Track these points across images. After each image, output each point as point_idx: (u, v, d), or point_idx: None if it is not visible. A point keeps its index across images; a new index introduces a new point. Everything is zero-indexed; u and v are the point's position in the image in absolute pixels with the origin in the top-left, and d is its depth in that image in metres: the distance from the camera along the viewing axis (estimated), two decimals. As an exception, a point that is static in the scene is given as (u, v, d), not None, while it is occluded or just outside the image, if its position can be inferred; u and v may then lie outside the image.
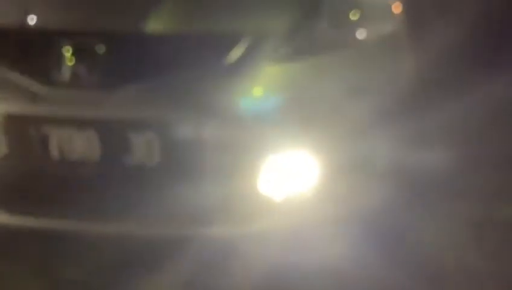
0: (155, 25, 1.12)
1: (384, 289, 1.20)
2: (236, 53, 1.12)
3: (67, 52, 1.10)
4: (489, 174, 1.52)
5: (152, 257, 1.18)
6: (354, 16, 1.24)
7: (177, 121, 1.08)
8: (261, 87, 1.15)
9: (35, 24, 1.14)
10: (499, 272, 1.21)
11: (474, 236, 1.32)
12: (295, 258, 1.22)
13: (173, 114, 1.08)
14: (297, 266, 1.21)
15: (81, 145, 1.08)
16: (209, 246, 1.15)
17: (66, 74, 1.09)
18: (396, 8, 1.31)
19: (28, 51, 1.12)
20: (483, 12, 1.52)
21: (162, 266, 1.16)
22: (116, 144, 1.07)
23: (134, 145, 1.06)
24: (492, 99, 1.47)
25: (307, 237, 1.20)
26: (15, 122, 1.10)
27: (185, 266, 1.16)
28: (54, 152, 1.09)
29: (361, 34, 1.24)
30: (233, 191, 1.13)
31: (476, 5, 1.51)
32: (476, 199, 1.46)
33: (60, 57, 1.10)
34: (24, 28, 1.14)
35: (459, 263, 1.25)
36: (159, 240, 1.18)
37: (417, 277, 1.19)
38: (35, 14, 1.14)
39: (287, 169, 1.16)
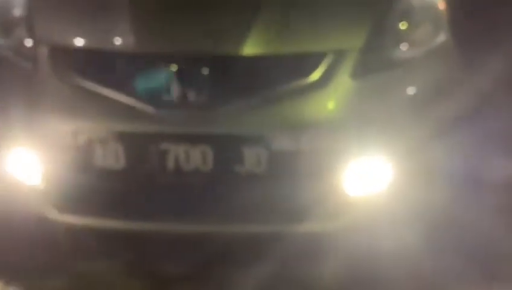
0: (251, 47, 1.27)
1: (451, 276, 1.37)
2: (320, 71, 1.28)
3: (178, 75, 1.25)
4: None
5: (256, 252, 1.34)
6: (413, 37, 1.43)
7: (279, 135, 1.25)
8: (343, 100, 1.32)
9: (148, 49, 1.29)
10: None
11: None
12: (373, 250, 1.40)
13: (275, 130, 1.25)
14: (376, 257, 1.39)
15: (196, 158, 1.24)
16: (303, 240, 1.33)
17: (178, 96, 1.24)
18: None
19: (143, 74, 1.27)
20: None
21: (264, 260, 1.32)
22: (229, 156, 1.23)
23: (245, 156, 1.23)
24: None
25: (384, 232, 1.38)
26: (135, 139, 1.25)
27: (283, 258, 1.33)
28: (171, 165, 1.24)
29: (419, 50, 1.43)
30: (323, 192, 1.31)
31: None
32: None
33: (171, 79, 1.25)
34: (139, 53, 1.29)
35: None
36: (262, 236, 1.35)
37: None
38: (147, 40, 1.29)
39: (367, 172, 1.33)
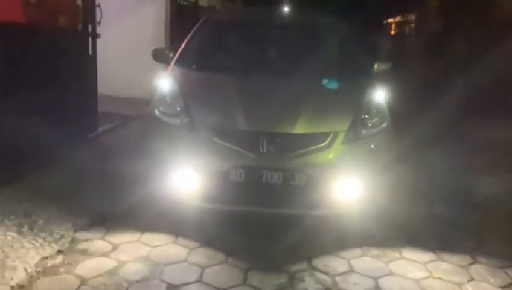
0: (296, 129, 2.87)
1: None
2: (328, 140, 2.89)
3: (264, 140, 2.83)
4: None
5: (298, 221, 2.92)
6: (371, 123, 3.08)
7: (310, 168, 2.84)
8: (338, 154, 2.92)
9: (250, 128, 2.87)
10: None
11: None
12: (349, 223, 2.98)
13: (308, 166, 2.84)
14: (349, 227, 2.97)
15: (275, 177, 2.81)
16: (320, 218, 2.92)
17: (265, 150, 2.82)
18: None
19: (250, 140, 2.85)
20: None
21: (301, 225, 2.90)
22: (289, 176, 2.81)
23: (296, 177, 2.81)
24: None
25: (356, 216, 2.97)
26: (249, 168, 2.81)
27: (310, 226, 2.91)
28: (264, 180, 2.81)
29: (374, 131, 3.08)
30: (328, 195, 2.89)
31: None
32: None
33: (262, 142, 2.83)
34: (246, 129, 2.86)
35: None
36: (302, 215, 2.93)
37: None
38: (249, 123, 2.88)
39: (348, 186, 2.91)
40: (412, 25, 13.32)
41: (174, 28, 7.58)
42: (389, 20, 15.67)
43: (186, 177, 2.91)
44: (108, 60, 5.51)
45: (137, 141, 3.91)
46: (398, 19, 15.14)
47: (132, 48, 6.97)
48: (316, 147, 2.86)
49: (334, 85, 3.43)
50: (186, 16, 7.89)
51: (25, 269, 2.41)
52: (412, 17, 13.27)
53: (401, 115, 3.47)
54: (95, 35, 4.54)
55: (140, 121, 5.30)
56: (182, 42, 3.94)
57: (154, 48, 4.07)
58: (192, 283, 2.44)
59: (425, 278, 2.56)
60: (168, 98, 3.22)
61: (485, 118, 5.79)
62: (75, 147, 4.13)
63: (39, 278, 2.40)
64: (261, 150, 2.82)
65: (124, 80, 6.72)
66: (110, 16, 5.34)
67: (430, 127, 4.90)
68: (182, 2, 8.05)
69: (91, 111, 4.65)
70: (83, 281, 2.40)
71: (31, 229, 2.80)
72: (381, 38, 12.34)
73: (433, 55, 8.84)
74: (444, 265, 2.70)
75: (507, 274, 2.62)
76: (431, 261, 2.74)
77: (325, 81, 3.44)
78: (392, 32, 15.02)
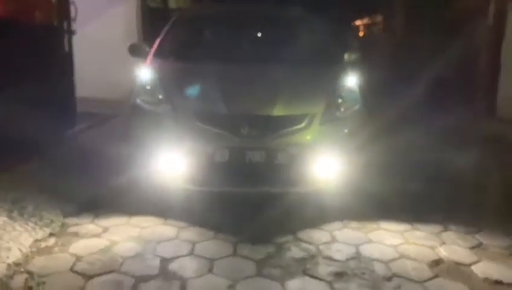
0: (275, 111, 3.03)
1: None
2: (305, 121, 3.07)
3: (246, 123, 2.97)
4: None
5: (279, 198, 3.08)
6: (344, 106, 3.28)
7: (290, 148, 3.01)
8: (315, 134, 3.10)
9: (231, 112, 3.00)
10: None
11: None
12: (327, 198, 3.17)
13: (289, 146, 3.01)
14: (327, 203, 3.16)
15: (257, 156, 2.96)
16: (298, 195, 3.09)
17: (247, 132, 2.96)
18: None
19: (231, 123, 2.98)
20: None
21: (281, 202, 3.06)
22: (271, 155, 2.96)
23: (278, 156, 2.96)
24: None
25: (332, 193, 3.16)
26: (232, 149, 2.95)
27: (288, 202, 3.08)
28: (247, 159, 2.96)
29: (347, 112, 3.28)
30: (307, 173, 3.06)
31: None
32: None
33: (244, 125, 2.97)
34: (227, 113, 3.00)
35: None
36: (282, 192, 3.09)
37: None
38: (230, 107, 3.01)
39: (325, 164, 3.09)
40: (379, 26, 13.81)
41: (145, 28, 7.64)
42: (357, 22, 16.15)
43: (172, 162, 3.03)
44: (82, 61, 5.51)
45: (118, 134, 4.00)
46: (365, 21, 15.63)
47: (104, 48, 7.00)
48: (294, 127, 3.03)
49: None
50: (157, 17, 7.97)
51: (20, 249, 2.47)
52: (379, 18, 13.76)
53: (371, 99, 3.70)
54: (71, 32, 4.58)
55: (117, 119, 5.37)
56: (154, 41, 4.03)
57: (130, 43, 4.15)
58: (184, 255, 2.56)
59: (401, 244, 2.76)
60: (148, 87, 3.33)
61: (445, 105, 6.18)
62: (54, 143, 4.15)
63: (34, 257, 2.46)
64: (242, 131, 2.97)
65: (98, 81, 6.73)
66: (81, 15, 5.37)
67: (397, 111, 5.23)
68: (151, 4, 8.11)
69: (69, 108, 4.67)
70: (78, 258, 2.48)
71: (21, 215, 2.84)
72: (350, 38, 12.73)
73: (398, 50, 9.26)
74: (418, 233, 2.91)
75: (475, 238, 2.85)
76: (406, 230, 2.94)
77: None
78: (361, 33, 15.50)
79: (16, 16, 3.77)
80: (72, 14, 4.62)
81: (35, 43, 3.98)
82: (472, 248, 2.73)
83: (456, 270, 2.47)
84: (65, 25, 4.52)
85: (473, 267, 2.49)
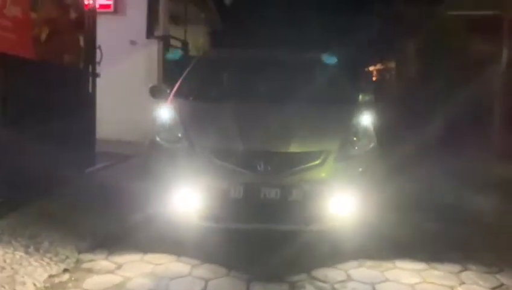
0: (291, 148, 3.08)
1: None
2: (321, 158, 3.09)
3: (261, 160, 3.02)
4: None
5: (295, 237, 3.06)
6: (359, 144, 3.31)
7: (305, 184, 3.01)
8: (330, 171, 3.12)
9: (247, 148, 3.06)
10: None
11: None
12: (343, 237, 3.13)
13: (303, 182, 3.02)
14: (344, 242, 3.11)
15: (272, 193, 2.97)
16: (314, 233, 3.06)
17: (263, 168, 3.00)
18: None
19: (248, 159, 3.03)
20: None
21: (297, 240, 3.03)
22: (286, 192, 2.98)
23: (293, 193, 2.97)
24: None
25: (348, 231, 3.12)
26: (248, 185, 2.97)
27: (305, 240, 3.04)
28: (262, 196, 2.97)
29: (362, 150, 3.30)
30: (322, 210, 3.05)
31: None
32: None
33: (260, 161, 3.01)
34: (243, 150, 3.05)
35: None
36: (299, 230, 3.06)
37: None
38: (246, 144, 3.07)
39: (341, 202, 3.09)
40: (392, 71, 14.03)
41: (166, 74, 7.92)
42: (371, 68, 16.46)
43: (187, 198, 3.06)
44: (103, 103, 5.72)
45: (136, 172, 4.08)
46: (379, 66, 15.92)
47: (125, 90, 7.26)
48: (310, 164, 3.06)
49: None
50: (177, 64, 8.27)
51: (34, 284, 2.48)
52: (392, 64, 14.02)
53: (384, 140, 3.72)
54: (95, 75, 4.79)
55: (136, 159, 5.48)
56: (173, 85, 4.17)
57: (151, 85, 4.32)
58: (197, 292, 2.53)
59: (419, 283, 2.68)
60: (168, 125, 3.42)
61: (458, 149, 6.16)
62: (73, 180, 4.25)
63: (48, 292, 2.47)
64: (258, 168, 3.00)
65: (119, 123, 6.93)
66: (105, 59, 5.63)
67: (410, 153, 5.22)
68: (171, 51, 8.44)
69: (89, 147, 4.80)
70: (92, 293, 2.48)
71: (37, 250, 2.87)
72: (365, 81, 12.95)
73: (409, 94, 9.35)
74: (436, 272, 2.83)
75: (496, 278, 2.76)
76: (423, 269, 2.87)
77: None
78: (374, 78, 15.75)
79: (47, 58, 3.98)
80: (98, 58, 4.86)
81: (61, 84, 4.18)
82: (493, 288, 2.64)
83: (477, 312, 2.38)
84: (90, 67, 4.74)
85: (495, 309, 2.40)
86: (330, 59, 3.84)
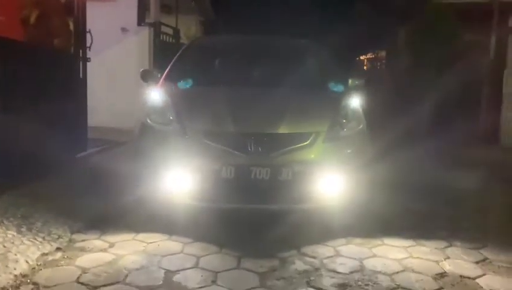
0: (280, 129, 3.12)
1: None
2: (310, 139, 3.14)
3: (252, 141, 3.06)
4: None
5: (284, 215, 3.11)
6: (348, 125, 3.36)
7: (294, 165, 3.06)
8: (319, 152, 3.17)
9: (239, 130, 3.09)
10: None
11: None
12: (332, 215, 3.19)
13: (293, 163, 3.06)
14: (332, 219, 3.17)
15: (262, 173, 3.01)
16: (303, 212, 3.11)
17: (253, 149, 3.04)
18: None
19: (239, 141, 3.06)
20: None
21: (286, 219, 3.09)
22: (276, 172, 3.02)
23: (282, 172, 3.02)
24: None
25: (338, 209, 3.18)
26: (238, 166, 3.01)
27: (294, 219, 3.10)
28: (252, 176, 3.01)
29: (351, 132, 3.35)
30: (312, 190, 3.10)
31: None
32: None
33: (250, 142, 3.05)
34: (234, 132, 3.08)
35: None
36: (287, 209, 3.12)
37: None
38: (238, 126, 3.11)
39: (330, 181, 3.14)
40: (383, 60, 14.10)
41: (156, 60, 7.90)
42: (362, 58, 16.51)
43: (179, 179, 3.08)
44: (94, 89, 5.71)
45: (127, 157, 4.10)
46: (369, 56, 15.97)
47: (117, 78, 7.25)
48: (299, 145, 3.10)
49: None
50: (168, 51, 8.25)
51: (27, 261, 2.50)
52: (383, 53, 14.08)
53: (374, 124, 3.78)
54: (86, 59, 4.78)
55: (127, 145, 5.49)
56: (164, 70, 4.18)
57: (142, 69, 4.32)
58: (189, 268, 2.57)
59: (405, 258, 2.76)
60: (159, 108, 3.43)
61: (448, 134, 6.26)
62: (65, 164, 4.26)
63: (40, 269, 2.49)
64: (249, 149, 3.04)
65: (110, 111, 6.92)
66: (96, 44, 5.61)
67: (398, 134, 5.30)
68: (163, 38, 8.42)
69: (81, 132, 4.81)
70: (84, 270, 2.50)
71: (30, 230, 2.90)
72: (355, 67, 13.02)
73: (401, 81, 9.43)
74: (423, 248, 2.91)
75: (480, 253, 2.84)
76: (410, 246, 2.95)
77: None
78: (365, 68, 15.82)
79: (37, 41, 3.98)
80: (88, 42, 4.84)
81: (52, 68, 4.17)
82: (477, 262, 2.72)
83: (461, 283, 2.45)
84: (80, 52, 4.73)
85: (478, 281, 2.47)
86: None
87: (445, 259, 2.75)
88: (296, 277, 2.48)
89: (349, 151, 3.27)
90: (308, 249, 2.85)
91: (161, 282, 2.40)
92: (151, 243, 2.92)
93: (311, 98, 3.62)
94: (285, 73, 4.15)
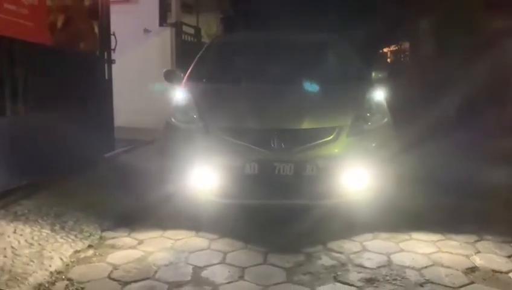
0: (304, 125, 3.12)
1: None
2: (333, 134, 3.13)
3: (275, 137, 3.06)
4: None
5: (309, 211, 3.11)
6: (372, 119, 3.32)
7: (319, 160, 3.06)
8: (343, 146, 3.15)
9: (261, 127, 3.11)
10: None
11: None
12: (357, 211, 3.16)
13: (317, 158, 3.06)
14: (358, 215, 3.15)
15: (286, 169, 3.02)
16: (328, 207, 3.11)
17: (276, 145, 3.05)
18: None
19: (262, 137, 3.08)
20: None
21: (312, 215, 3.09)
22: (300, 168, 3.02)
23: (307, 168, 3.01)
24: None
25: (363, 204, 3.15)
26: (262, 162, 3.03)
27: (319, 215, 3.10)
28: (276, 172, 3.02)
29: (375, 125, 3.32)
30: (336, 185, 3.08)
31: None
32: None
33: (273, 138, 3.06)
34: (257, 128, 3.10)
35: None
36: (313, 205, 3.12)
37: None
38: (260, 122, 3.12)
39: (355, 176, 3.11)
40: (406, 52, 13.85)
41: (179, 60, 7.98)
42: (385, 50, 16.26)
43: (204, 176, 3.13)
44: (119, 90, 5.80)
45: (153, 156, 4.17)
46: (392, 48, 15.71)
47: (140, 78, 7.35)
48: (323, 140, 3.09)
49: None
50: (190, 50, 8.32)
51: (61, 259, 2.60)
52: (406, 45, 13.83)
53: (399, 117, 3.73)
54: (110, 61, 4.89)
55: (153, 144, 5.58)
56: (187, 70, 4.21)
57: (165, 69, 4.38)
58: (216, 264, 2.61)
59: (435, 252, 2.72)
60: (183, 107, 3.48)
61: (472, 123, 6.12)
62: (94, 164, 4.37)
63: (74, 266, 2.58)
64: (272, 145, 3.05)
65: (135, 111, 7.03)
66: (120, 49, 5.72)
67: (423, 126, 5.20)
68: (185, 37, 8.49)
69: (109, 132, 4.92)
70: (115, 266, 2.58)
71: (63, 228, 3.00)
72: (378, 60, 12.83)
73: (426, 72, 9.24)
74: (452, 242, 2.86)
75: (511, 247, 2.78)
76: (439, 240, 2.90)
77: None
78: (388, 60, 15.57)
79: (64, 45, 4.09)
80: (112, 44, 4.94)
81: (79, 70, 4.28)
82: (509, 256, 2.65)
83: (493, 278, 2.40)
84: (105, 54, 4.83)
85: (511, 275, 2.42)
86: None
87: (475, 253, 2.70)
88: (322, 272, 2.49)
89: (373, 145, 3.24)
90: (334, 244, 2.84)
91: (189, 278, 2.44)
92: (178, 239, 2.98)
93: (334, 92, 3.60)
94: (307, 68, 4.14)
